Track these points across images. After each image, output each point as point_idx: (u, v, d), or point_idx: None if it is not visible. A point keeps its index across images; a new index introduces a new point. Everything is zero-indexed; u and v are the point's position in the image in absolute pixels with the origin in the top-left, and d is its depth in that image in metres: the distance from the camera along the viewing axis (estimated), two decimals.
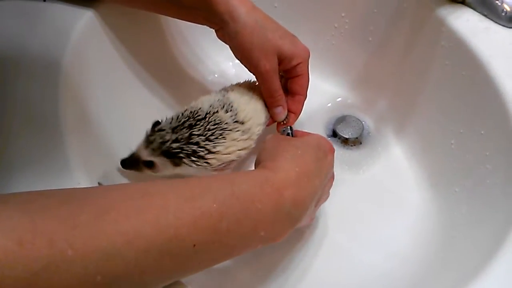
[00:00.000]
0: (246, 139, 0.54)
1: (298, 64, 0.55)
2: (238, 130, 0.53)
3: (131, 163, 0.53)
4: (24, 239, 0.28)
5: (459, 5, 0.60)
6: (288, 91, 0.57)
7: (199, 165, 0.52)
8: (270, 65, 0.53)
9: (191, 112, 0.53)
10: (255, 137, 0.56)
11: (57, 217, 0.31)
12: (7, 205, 0.30)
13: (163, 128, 0.52)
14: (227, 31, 0.52)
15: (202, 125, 0.52)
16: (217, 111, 0.53)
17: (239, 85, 0.59)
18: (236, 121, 0.54)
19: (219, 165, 0.53)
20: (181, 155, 0.51)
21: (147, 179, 0.55)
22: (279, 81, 0.55)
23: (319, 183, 0.45)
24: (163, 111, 0.59)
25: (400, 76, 0.67)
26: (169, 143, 0.51)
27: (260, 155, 0.47)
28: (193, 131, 0.52)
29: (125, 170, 0.53)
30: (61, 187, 0.42)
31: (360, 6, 0.68)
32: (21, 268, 0.28)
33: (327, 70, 0.73)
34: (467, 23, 0.58)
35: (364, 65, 0.71)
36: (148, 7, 0.58)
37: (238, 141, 0.54)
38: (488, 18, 0.58)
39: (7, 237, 0.28)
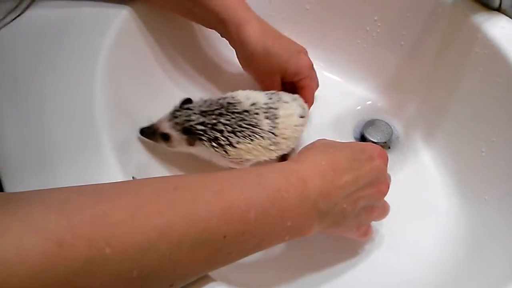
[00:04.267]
0: (271, 150, 0.55)
1: (300, 80, 0.60)
2: (269, 139, 0.54)
3: (148, 132, 0.55)
4: (64, 240, 0.29)
5: (495, 12, 0.59)
6: None
7: (217, 151, 0.53)
8: (272, 84, 0.59)
9: (228, 103, 0.54)
10: (280, 152, 0.56)
11: (93, 216, 0.32)
12: (43, 205, 0.31)
13: (192, 108, 0.53)
14: (236, 52, 0.59)
15: (233, 118, 0.52)
16: (257, 113, 0.54)
17: (294, 100, 0.58)
18: (271, 132, 0.54)
19: (237, 158, 0.54)
20: (203, 137, 0.52)
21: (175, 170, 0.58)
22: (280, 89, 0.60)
23: (351, 181, 0.44)
24: None
25: (432, 82, 0.66)
26: (193, 123, 0.52)
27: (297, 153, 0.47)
28: (221, 120, 0.52)
29: (144, 139, 0.56)
30: (97, 179, 0.44)
31: (393, 10, 0.68)
32: (62, 269, 0.29)
33: (357, 73, 0.73)
34: (503, 31, 0.57)
35: (395, 69, 0.71)
36: (178, 12, 0.62)
37: (264, 148, 0.54)
38: None
39: (48, 240, 0.29)
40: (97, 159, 0.46)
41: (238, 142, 0.53)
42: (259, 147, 0.54)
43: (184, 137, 0.53)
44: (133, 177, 0.48)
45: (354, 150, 0.47)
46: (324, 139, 0.49)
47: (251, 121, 0.53)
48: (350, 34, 0.72)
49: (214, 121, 0.52)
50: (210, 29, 0.62)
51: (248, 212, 0.37)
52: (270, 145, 0.54)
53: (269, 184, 0.39)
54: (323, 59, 0.72)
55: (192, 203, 0.35)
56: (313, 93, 0.63)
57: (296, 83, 0.61)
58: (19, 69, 0.52)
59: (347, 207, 0.44)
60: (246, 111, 0.53)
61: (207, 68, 0.70)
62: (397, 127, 0.69)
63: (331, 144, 0.47)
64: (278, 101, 0.56)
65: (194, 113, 0.53)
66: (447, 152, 0.64)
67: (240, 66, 0.61)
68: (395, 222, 0.59)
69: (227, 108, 0.53)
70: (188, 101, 0.55)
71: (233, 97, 0.55)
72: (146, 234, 0.32)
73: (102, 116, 0.49)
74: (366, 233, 0.52)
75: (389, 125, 0.69)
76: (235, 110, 0.53)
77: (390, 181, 0.50)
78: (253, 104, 0.54)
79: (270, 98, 0.56)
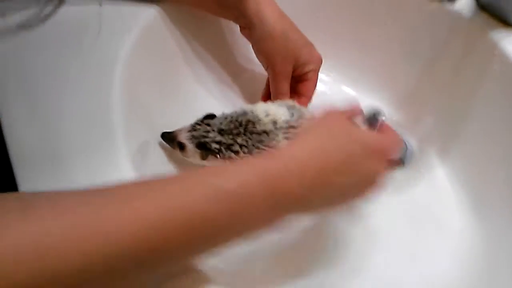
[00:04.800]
0: None
1: (310, 71, 0.61)
2: None
3: (168, 138, 0.56)
4: (55, 245, 0.29)
5: None
6: (296, 92, 0.63)
7: None
8: (285, 70, 0.59)
9: (247, 120, 0.53)
10: None
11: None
12: (39, 206, 0.31)
13: (212, 124, 0.54)
14: (253, 33, 0.58)
15: (250, 139, 0.52)
16: (277, 135, 0.53)
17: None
18: None
19: None
20: (217, 155, 0.52)
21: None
22: (289, 85, 0.61)
23: (337, 188, 0.41)
24: (219, 109, 0.58)
25: (448, 97, 0.66)
26: (209, 140, 0.53)
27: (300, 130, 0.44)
28: (238, 140, 0.52)
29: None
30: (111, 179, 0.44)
31: (411, 23, 0.67)
32: (56, 272, 0.29)
33: (373, 86, 0.73)
34: None
35: (411, 83, 0.70)
36: (186, 1, 0.62)
37: None
38: None
39: (40, 243, 0.29)
40: (111, 160, 0.46)
41: None
42: None
43: (198, 151, 0.54)
44: None
45: (358, 140, 0.43)
46: (341, 114, 0.45)
47: (269, 143, 0.52)
48: (366, 46, 0.72)
49: (231, 141, 0.52)
50: (238, 33, 0.63)
51: (206, 221, 0.34)
52: None
53: (237, 187, 0.36)
54: (338, 71, 0.72)
55: (145, 212, 0.32)
56: (314, 90, 0.63)
57: (303, 75, 0.61)
58: (40, 68, 0.52)
59: (324, 205, 0.43)
60: (266, 132, 0.53)
61: (233, 71, 0.71)
62: (412, 142, 0.68)
63: (335, 137, 0.42)
64: (300, 118, 0.55)
65: (213, 130, 0.53)
66: (462, 169, 0.63)
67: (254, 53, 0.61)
68: (408, 238, 0.59)
69: (245, 127, 0.53)
70: (211, 116, 0.55)
71: (252, 112, 0.54)
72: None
73: (120, 118, 0.50)
74: None
75: (403, 140, 0.68)
76: (254, 131, 0.52)
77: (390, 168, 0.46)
78: (273, 123, 0.53)
79: (292, 115, 0.54)
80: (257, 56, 0.61)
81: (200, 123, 0.54)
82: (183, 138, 0.54)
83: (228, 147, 0.52)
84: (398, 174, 0.65)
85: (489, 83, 0.59)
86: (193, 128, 0.54)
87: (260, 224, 0.38)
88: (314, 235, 0.58)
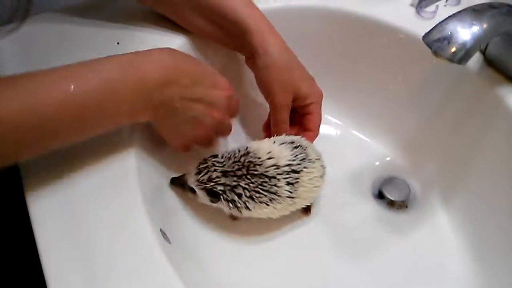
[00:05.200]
0: (285, 210, 0.56)
1: (311, 104, 0.62)
2: (285, 202, 0.55)
3: (178, 183, 0.57)
4: None
5: None
6: (302, 127, 0.64)
7: (231, 209, 0.55)
8: (285, 100, 0.60)
9: (249, 162, 0.54)
10: (293, 209, 0.58)
11: None
12: None
13: (215, 164, 0.54)
14: (257, 62, 0.59)
15: (252, 183, 0.53)
16: (279, 180, 0.54)
17: (317, 159, 0.59)
18: (290, 197, 0.55)
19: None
20: (222, 197, 0.54)
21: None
22: (288, 115, 0.61)
23: (190, 85, 0.49)
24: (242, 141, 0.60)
25: (452, 145, 0.67)
26: (214, 183, 0.54)
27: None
28: (240, 183, 0.53)
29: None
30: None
31: (418, 73, 0.69)
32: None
33: (378, 129, 0.74)
34: None
35: (416, 129, 0.72)
36: (193, 29, 0.64)
37: (278, 210, 0.55)
38: None
39: None
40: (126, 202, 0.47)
41: (254, 207, 0.54)
42: (275, 210, 0.55)
43: (208, 197, 0.55)
44: (160, 229, 0.49)
45: (207, 71, 0.53)
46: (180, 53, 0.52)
47: (270, 188, 0.53)
48: (373, 91, 0.74)
49: (235, 183, 0.53)
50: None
51: (83, 107, 0.43)
52: (284, 205, 0.55)
53: (105, 76, 0.44)
54: (348, 116, 0.74)
55: (27, 95, 0.41)
56: (319, 123, 0.64)
57: (305, 107, 0.62)
58: None
59: (179, 108, 0.50)
60: (267, 176, 0.53)
61: (253, 104, 0.71)
62: (415, 186, 0.70)
63: (190, 57, 0.53)
64: (302, 160, 0.55)
65: (215, 171, 0.54)
66: (465, 216, 0.64)
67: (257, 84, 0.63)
68: (406, 284, 0.59)
69: (248, 168, 0.53)
70: (214, 156, 0.55)
71: (255, 153, 0.54)
72: None
73: (133, 162, 0.51)
74: (186, 148, 0.56)
75: (407, 184, 0.69)
76: (256, 173, 0.53)
77: (229, 124, 0.57)
78: (275, 168, 0.54)
79: (295, 157, 0.55)
80: (258, 86, 0.62)
81: (203, 166, 0.55)
82: (192, 183, 0.55)
83: (232, 189, 0.53)
84: (401, 218, 0.66)
85: (494, 135, 0.61)
86: (199, 171, 0.55)
87: (128, 108, 0.46)
88: (312, 278, 0.59)
